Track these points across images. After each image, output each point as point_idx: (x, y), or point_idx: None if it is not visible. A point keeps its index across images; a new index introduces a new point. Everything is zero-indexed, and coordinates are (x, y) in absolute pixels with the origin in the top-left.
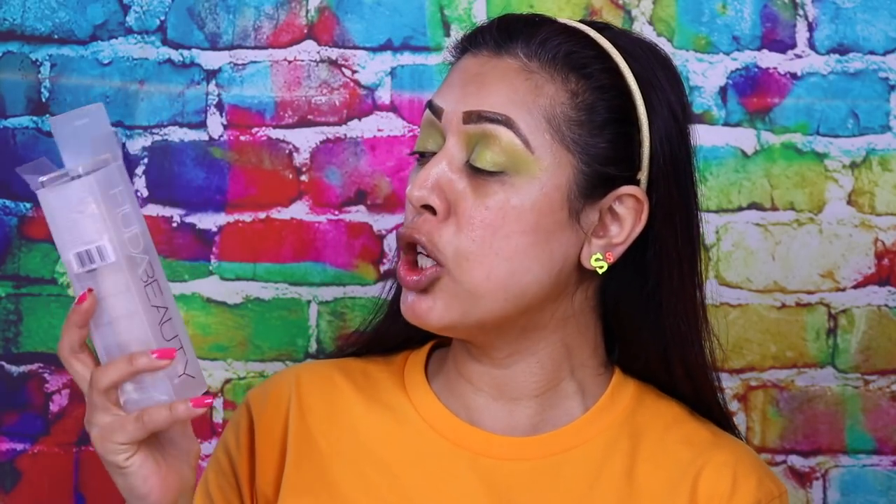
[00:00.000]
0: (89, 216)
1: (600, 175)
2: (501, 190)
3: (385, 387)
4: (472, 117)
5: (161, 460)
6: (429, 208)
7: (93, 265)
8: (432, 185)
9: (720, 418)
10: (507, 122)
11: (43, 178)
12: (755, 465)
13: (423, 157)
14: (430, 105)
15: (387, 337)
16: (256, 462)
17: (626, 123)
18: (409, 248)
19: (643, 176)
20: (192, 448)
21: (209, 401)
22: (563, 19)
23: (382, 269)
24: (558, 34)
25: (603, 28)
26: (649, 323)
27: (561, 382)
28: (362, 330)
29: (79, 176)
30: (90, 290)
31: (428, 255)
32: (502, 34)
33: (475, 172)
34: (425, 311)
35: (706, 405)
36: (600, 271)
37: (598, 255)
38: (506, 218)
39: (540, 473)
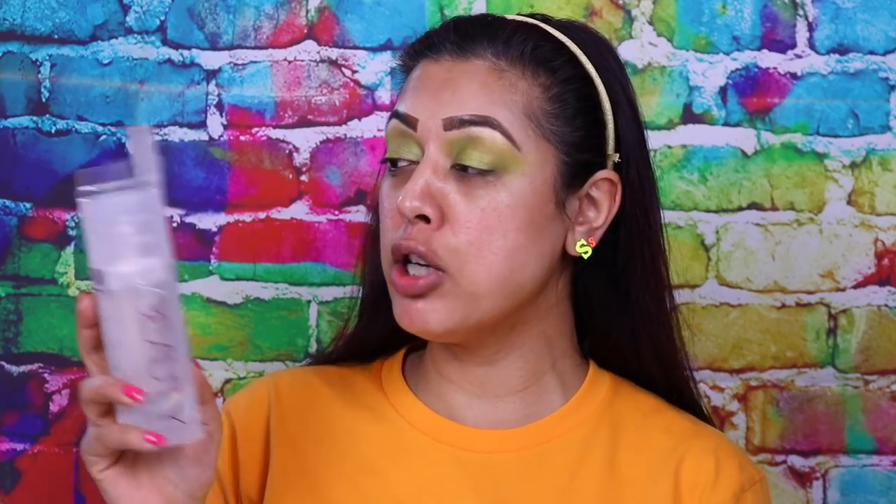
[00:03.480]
0: (104, 237)
1: (579, 163)
2: (493, 190)
3: (363, 389)
4: (453, 123)
5: (145, 481)
6: (422, 217)
7: (99, 286)
8: (423, 194)
9: (693, 406)
10: (491, 123)
11: (85, 189)
12: (735, 452)
13: (396, 167)
14: (399, 115)
15: (363, 340)
16: (240, 469)
17: (594, 110)
18: (402, 258)
19: (612, 159)
20: (201, 476)
21: (157, 441)
22: (511, 16)
23: None
24: (519, 31)
25: (548, 20)
26: (620, 305)
27: (543, 376)
28: (344, 332)
29: (106, 192)
30: (86, 294)
31: (427, 265)
32: (462, 37)
33: (463, 176)
34: (425, 316)
35: (677, 391)
36: (586, 256)
37: (583, 241)
38: (500, 217)
39: (523, 465)
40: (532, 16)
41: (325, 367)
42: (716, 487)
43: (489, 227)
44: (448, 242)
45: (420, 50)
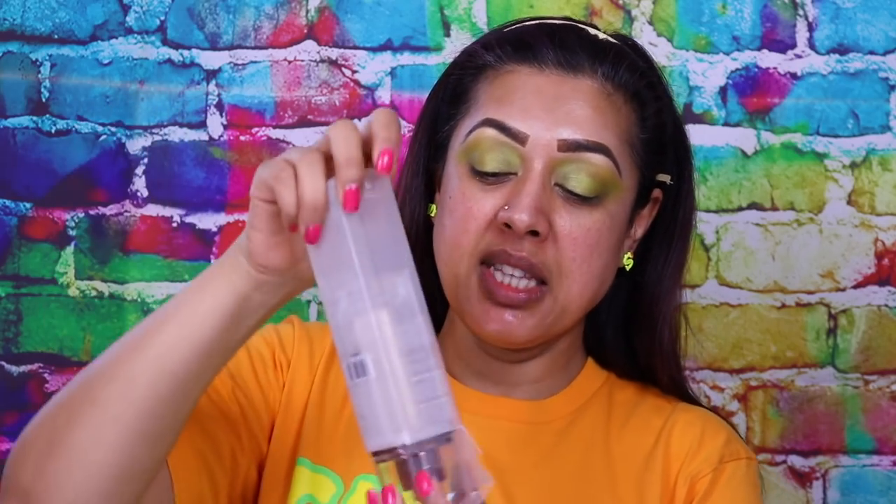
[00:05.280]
0: None
1: (648, 187)
2: (596, 211)
3: None
4: (569, 145)
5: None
6: (532, 232)
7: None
8: (537, 210)
9: (689, 397)
10: (604, 150)
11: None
12: (723, 428)
13: (494, 177)
14: (504, 127)
15: None
16: (292, 369)
17: (664, 137)
18: (492, 263)
19: (663, 180)
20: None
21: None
22: (604, 35)
23: None
24: (623, 57)
25: (628, 42)
26: (630, 304)
27: (559, 370)
28: None
29: None
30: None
31: (527, 277)
32: (565, 49)
33: (568, 194)
34: (513, 328)
35: (674, 384)
36: (628, 268)
37: (629, 254)
38: (600, 237)
39: (525, 437)
40: (617, 36)
41: None
42: (696, 456)
43: (590, 245)
44: (553, 256)
45: (511, 51)
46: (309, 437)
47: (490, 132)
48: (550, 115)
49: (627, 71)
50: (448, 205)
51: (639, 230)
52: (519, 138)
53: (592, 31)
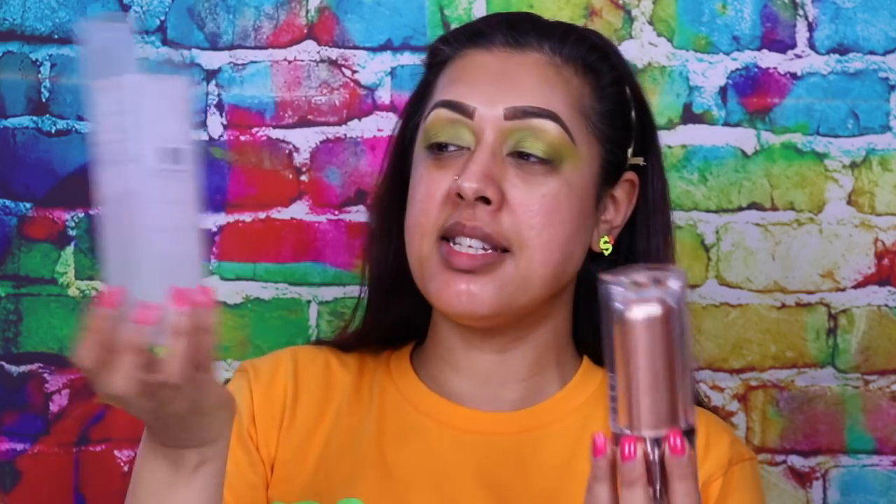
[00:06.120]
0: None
1: (615, 163)
2: (551, 178)
3: (373, 375)
4: (516, 113)
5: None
6: (481, 200)
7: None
8: (485, 177)
9: (695, 397)
10: (553, 116)
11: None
12: (726, 430)
13: (443, 152)
14: (453, 104)
15: (372, 332)
16: (257, 431)
17: (627, 112)
18: (450, 238)
19: (635, 161)
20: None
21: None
22: (554, 20)
23: None
24: (571, 33)
25: (592, 31)
26: None
27: (547, 367)
28: (346, 329)
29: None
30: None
31: (484, 248)
32: (515, 30)
33: (521, 164)
34: (473, 298)
35: None
36: (607, 253)
37: (605, 238)
38: (559, 205)
39: (522, 447)
40: (585, 28)
41: (338, 350)
42: (705, 459)
43: (549, 213)
44: (510, 227)
45: (464, 39)
46: (280, 479)
47: (441, 112)
48: (495, 87)
49: (576, 44)
50: (410, 193)
51: (617, 215)
52: (468, 112)
53: (550, 19)
